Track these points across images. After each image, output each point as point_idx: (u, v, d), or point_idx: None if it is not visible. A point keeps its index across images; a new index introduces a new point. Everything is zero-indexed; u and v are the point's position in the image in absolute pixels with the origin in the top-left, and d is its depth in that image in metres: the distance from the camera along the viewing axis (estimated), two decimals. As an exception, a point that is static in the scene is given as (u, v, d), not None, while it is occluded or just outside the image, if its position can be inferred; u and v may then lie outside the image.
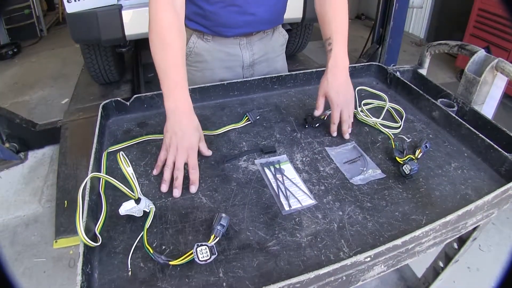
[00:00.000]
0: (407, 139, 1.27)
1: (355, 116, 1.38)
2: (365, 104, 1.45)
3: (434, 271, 1.56)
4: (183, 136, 1.07)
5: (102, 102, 1.33)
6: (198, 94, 1.45)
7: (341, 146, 1.25)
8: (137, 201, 0.93)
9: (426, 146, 1.20)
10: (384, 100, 1.48)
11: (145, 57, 4.91)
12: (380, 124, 1.35)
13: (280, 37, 1.65)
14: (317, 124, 1.34)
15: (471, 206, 0.93)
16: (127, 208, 0.92)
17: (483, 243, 2.56)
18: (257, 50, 1.56)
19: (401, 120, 1.37)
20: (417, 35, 6.33)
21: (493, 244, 2.57)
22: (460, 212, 0.92)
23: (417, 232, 0.85)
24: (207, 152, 1.18)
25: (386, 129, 1.33)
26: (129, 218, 0.94)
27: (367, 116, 1.38)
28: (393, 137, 1.29)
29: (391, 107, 1.46)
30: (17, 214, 2.73)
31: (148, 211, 0.95)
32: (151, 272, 0.82)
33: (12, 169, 3.19)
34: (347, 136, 1.28)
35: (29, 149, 3.37)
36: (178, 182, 1.04)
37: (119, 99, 1.37)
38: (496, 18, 4.34)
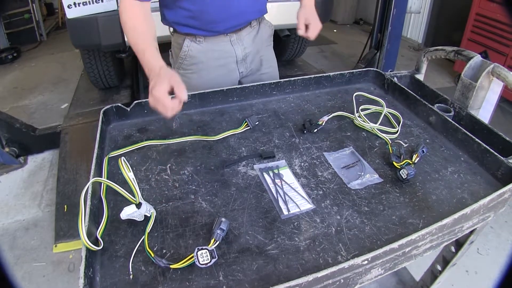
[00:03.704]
0: (404, 144, 1.29)
1: (352, 122, 1.42)
2: (362, 110, 1.47)
3: (432, 275, 1.57)
4: (152, 81, 1.18)
5: (103, 108, 1.35)
6: (197, 100, 1.47)
7: (339, 151, 1.27)
8: (138, 205, 0.95)
9: (423, 151, 1.22)
10: (382, 106, 1.49)
11: None
12: (377, 129, 1.36)
13: (267, 28, 1.75)
14: (316, 130, 1.36)
15: (467, 210, 0.95)
16: (128, 212, 0.93)
17: (482, 246, 2.56)
18: (247, 44, 1.65)
19: (398, 125, 1.39)
20: (415, 40, 6.34)
21: (491, 247, 2.57)
22: (456, 215, 0.93)
23: (414, 236, 0.87)
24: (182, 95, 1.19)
25: (384, 134, 1.34)
26: (130, 222, 0.96)
27: (364, 122, 1.39)
28: (390, 142, 1.30)
29: (389, 112, 1.48)
30: (17, 218, 2.72)
31: (149, 215, 0.97)
32: (152, 275, 0.84)
33: (12, 173, 3.18)
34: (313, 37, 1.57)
35: (29, 153, 3.35)
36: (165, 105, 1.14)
37: (119, 104, 1.38)
38: (493, 23, 4.35)
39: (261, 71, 1.77)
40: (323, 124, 1.38)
